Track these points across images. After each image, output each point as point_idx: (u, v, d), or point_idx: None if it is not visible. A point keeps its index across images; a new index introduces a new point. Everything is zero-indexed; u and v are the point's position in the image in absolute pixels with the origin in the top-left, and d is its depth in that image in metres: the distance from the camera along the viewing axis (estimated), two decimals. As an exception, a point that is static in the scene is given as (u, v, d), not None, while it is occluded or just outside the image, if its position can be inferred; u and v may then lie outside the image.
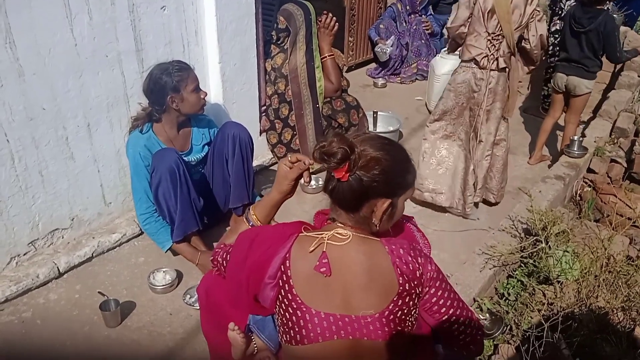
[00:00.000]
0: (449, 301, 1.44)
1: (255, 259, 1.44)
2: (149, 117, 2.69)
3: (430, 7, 5.82)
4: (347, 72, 5.59)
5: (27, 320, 2.45)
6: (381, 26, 5.59)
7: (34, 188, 2.58)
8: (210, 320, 1.77)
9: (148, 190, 2.65)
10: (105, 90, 2.72)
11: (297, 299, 1.39)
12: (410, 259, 1.39)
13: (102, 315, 2.41)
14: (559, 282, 2.78)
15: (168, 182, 2.55)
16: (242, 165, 2.86)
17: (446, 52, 4.66)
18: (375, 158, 1.36)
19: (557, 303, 2.68)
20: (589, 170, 4.09)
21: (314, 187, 3.49)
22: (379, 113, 4.18)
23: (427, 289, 1.42)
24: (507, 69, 3.02)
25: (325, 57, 3.67)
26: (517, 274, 2.88)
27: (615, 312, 2.63)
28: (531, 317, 2.66)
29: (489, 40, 2.94)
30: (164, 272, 2.68)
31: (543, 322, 2.47)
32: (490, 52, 2.95)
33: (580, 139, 3.94)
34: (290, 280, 1.40)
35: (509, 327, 2.63)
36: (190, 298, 2.56)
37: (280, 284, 1.41)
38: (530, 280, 2.82)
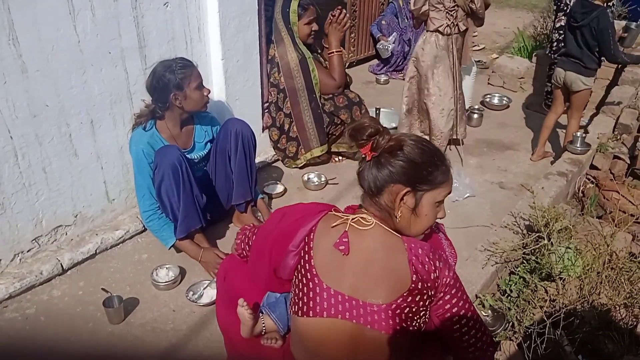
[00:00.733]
0: (463, 310, 1.45)
1: (283, 227, 1.52)
2: (152, 114, 2.69)
3: None
4: (348, 68, 5.58)
5: (30, 317, 2.46)
6: (383, 22, 5.58)
7: (37, 185, 2.59)
8: (225, 300, 1.82)
9: (151, 187, 2.66)
10: (108, 87, 2.73)
11: (313, 270, 1.44)
12: (427, 260, 1.40)
13: (106, 312, 2.42)
14: (561, 278, 2.79)
15: (171, 179, 2.56)
16: (245, 162, 2.87)
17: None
18: (400, 143, 1.40)
19: (559, 300, 2.68)
20: (592, 167, 4.08)
21: (316, 184, 3.50)
22: (381, 109, 4.18)
23: (442, 294, 1.42)
24: (466, 29, 3.75)
25: (333, 52, 3.65)
26: (519, 271, 2.88)
27: (617, 308, 2.63)
28: (533, 314, 2.67)
29: (447, 12, 3.56)
30: (167, 268, 2.69)
31: (545, 318, 2.48)
32: (449, 21, 3.59)
33: (583, 135, 3.94)
34: (312, 252, 1.45)
35: (511, 323, 2.63)
36: (193, 294, 2.57)
37: (302, 254, 1.47)
38: (532, 276, 2.82)
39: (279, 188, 3.47)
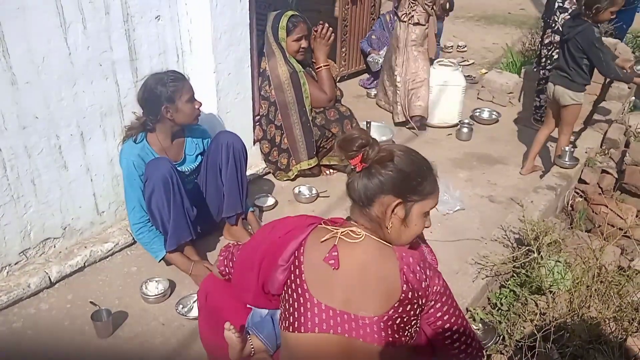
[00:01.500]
0: (453, 318, 1.45)
1: (272, 242, 1.50)
2: (142, 126, 2.69)
3: None
4: (339, 82, 5.60)
5: (17, 331, 2.42)
6: (373, 37, 5.62)
7: (25, 197, 2.57)
8: (209, 322, 1.79)
9: (141, 200, 2.64)
10: (99, 100, 2.72)
11: (304, 285, 1.42)
12: (418, 269, 1.40)
13: (94, 326, 2.40)
14: (551, 292, 2.79)
15: (161, 191, 2.55)
16: (236, 174, 2.86)
17: (439, 62, 4.73)
18: (391, 154, 1.41)
19: (550, 313, 2.69)
20: (580, 181, 4.11)
21: (307, 196, 3.50)
22: (372, 123, 4.19)
23: (432, 302, 1.43)
24: (424, 25, 4.53)
25: (321, 67, 3.69)
26: (509, 284, 2.88)
27: (607, 322, 2.63)
28: (524, 327, 2.67)
29: (410, 2, 4.50)
30: (156, 281, 2.67)
31: (535, 332, 2.48)
32: (409, 11, 4.49)
33: (572, 149, 3.97)
34: (302, 266, 1.43)
35: (501, 337, 2.63)
36: (182, 308, 2.55)
37: (292, 269, 1.46)
38: (522, 290, 2.82)
39: (270, 201, 3.46)
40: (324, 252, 1.43)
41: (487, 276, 2.80)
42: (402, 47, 4.62)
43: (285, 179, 3.73)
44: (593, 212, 3.83)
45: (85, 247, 2.84)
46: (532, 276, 2.82)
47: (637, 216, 3.79)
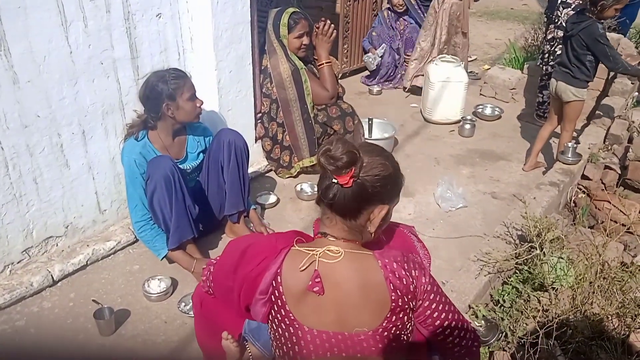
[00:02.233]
0: (443, 313, 1.43)
1: (246, 273, 1.43)
2: (144, 124, 2.69)
3: (417, 7, 5.68)
4: (341, 79, 5.59)
5: (20, 329, 2.43)
6: (374, 34, 5.60)
7: (28, 195, 2.57)
8: (205, 328, 1.77)
9: (143, 198, 2.65)
10: (100, 98, 2.72)
11: (291, 315, 1.38)
12: (403, 272, 1.37)
13: (97, 324, 2.40)
14: (553, 288, 2.79)
15: (163, 189, 2.55)
16: (238, 172, 2.86)
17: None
18: (379, 165, 1.38)
19: (552, 310, 2.68)
20: (583, 177, 4.10)
21: (309, 194, 3.49)
22: (374, 120, 4.19)
23: (421, 302, 1.41)
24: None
25: (322, 64, 3.68)
26: (512, 281, 2.88)
27: (610, 318, 2.63)
28: (526, 324, 2.66)
29: None
30: (158, 279, 2.67)
31: (538, 328, 2.47)
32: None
33: (575, 145, 3.95)
34: (283, 297, 1.38)
35: (504, 334, 2.63)
36: (185, 306, 2.55)
37: (273, 300, 1.40)
38: (525, 286, 2.82)
39: (272, 198, 3.46)
40: (305, 280, 1.37)
41: (489, 273, 2.80)
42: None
43: (287, 176, 3.73)
44: (596, 208, 3.82)
45: (88, 245, 2.85)
46: (535, 273, 2.82)
47: (640, 212, 3.78)
